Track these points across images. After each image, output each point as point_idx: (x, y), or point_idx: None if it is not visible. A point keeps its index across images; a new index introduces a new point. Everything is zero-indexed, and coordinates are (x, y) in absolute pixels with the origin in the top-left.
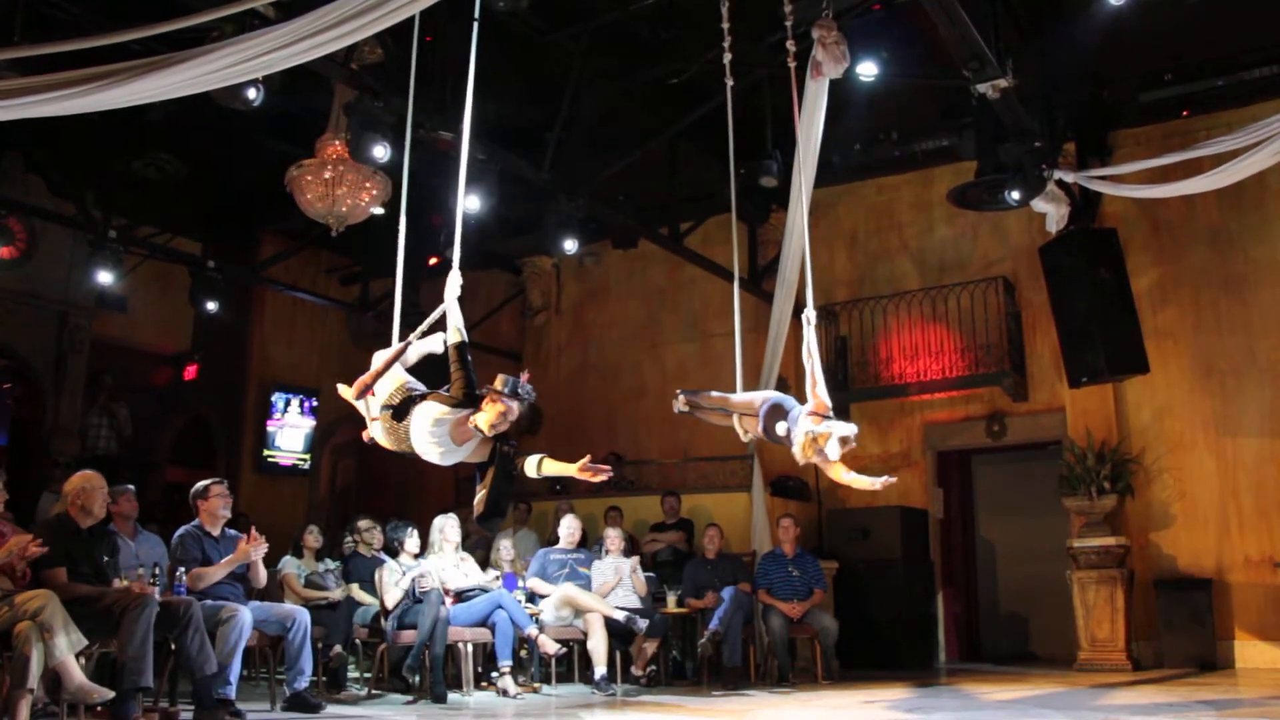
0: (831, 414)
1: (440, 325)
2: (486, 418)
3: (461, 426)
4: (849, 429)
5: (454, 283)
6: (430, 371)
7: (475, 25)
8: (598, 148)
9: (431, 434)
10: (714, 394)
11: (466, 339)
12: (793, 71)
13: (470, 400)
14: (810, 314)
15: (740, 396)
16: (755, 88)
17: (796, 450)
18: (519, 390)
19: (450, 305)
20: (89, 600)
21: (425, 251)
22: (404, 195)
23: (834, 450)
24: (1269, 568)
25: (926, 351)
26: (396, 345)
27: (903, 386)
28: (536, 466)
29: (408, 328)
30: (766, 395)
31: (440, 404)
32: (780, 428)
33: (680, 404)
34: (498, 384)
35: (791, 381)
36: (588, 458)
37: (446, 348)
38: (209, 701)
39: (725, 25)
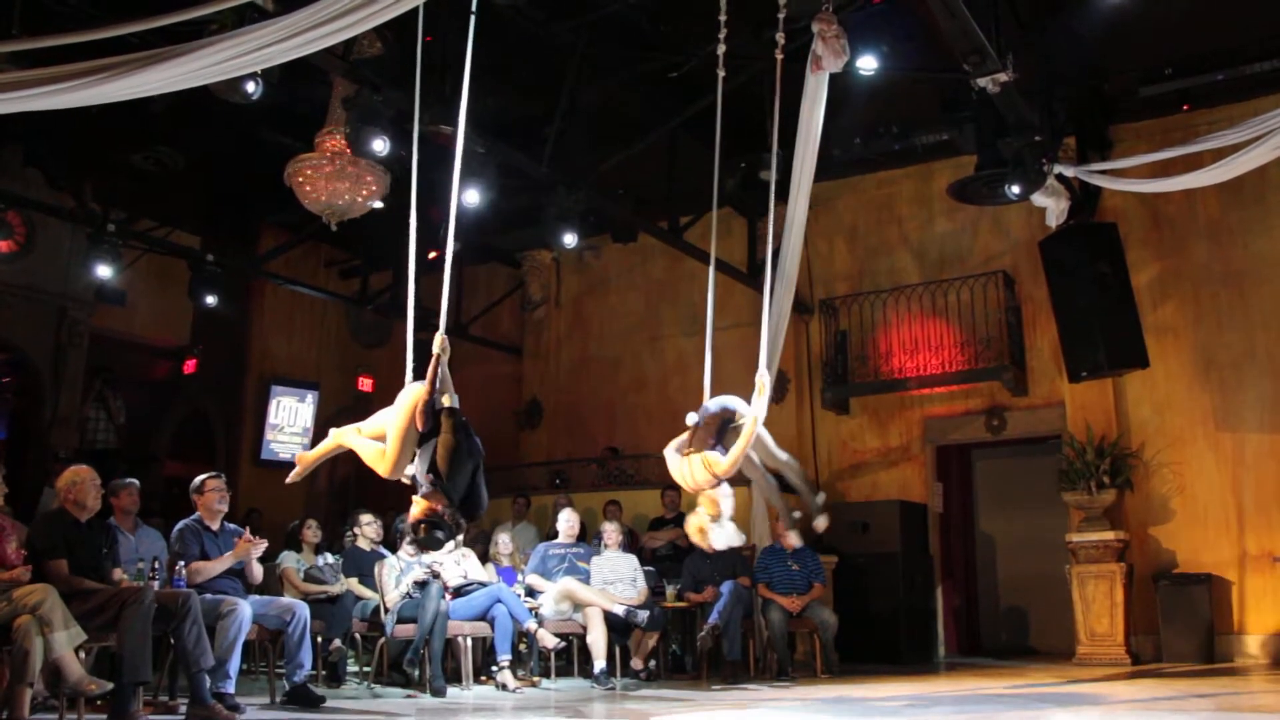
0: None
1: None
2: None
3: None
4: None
5: (439, 346)
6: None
7: (472, 19)
8: (597, 141)
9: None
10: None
11: (455, 404)
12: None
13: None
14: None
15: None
16: (756, 81)
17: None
18: (430, 536)
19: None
20: (88, 595)
21: (424, 245)
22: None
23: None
24: (1268, 562)
25: (926, 346)
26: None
27: (902, 381)
28: None
29: (403, 319)
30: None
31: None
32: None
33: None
34: (432, 507)
35: (791, 376)
36: None
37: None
38: (203, 697)
39: (723, 18)
